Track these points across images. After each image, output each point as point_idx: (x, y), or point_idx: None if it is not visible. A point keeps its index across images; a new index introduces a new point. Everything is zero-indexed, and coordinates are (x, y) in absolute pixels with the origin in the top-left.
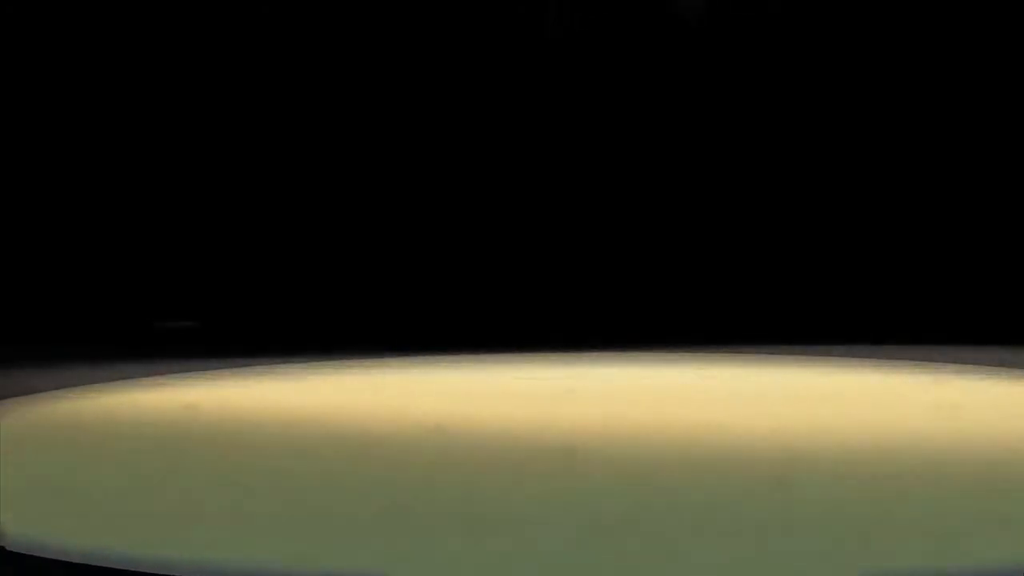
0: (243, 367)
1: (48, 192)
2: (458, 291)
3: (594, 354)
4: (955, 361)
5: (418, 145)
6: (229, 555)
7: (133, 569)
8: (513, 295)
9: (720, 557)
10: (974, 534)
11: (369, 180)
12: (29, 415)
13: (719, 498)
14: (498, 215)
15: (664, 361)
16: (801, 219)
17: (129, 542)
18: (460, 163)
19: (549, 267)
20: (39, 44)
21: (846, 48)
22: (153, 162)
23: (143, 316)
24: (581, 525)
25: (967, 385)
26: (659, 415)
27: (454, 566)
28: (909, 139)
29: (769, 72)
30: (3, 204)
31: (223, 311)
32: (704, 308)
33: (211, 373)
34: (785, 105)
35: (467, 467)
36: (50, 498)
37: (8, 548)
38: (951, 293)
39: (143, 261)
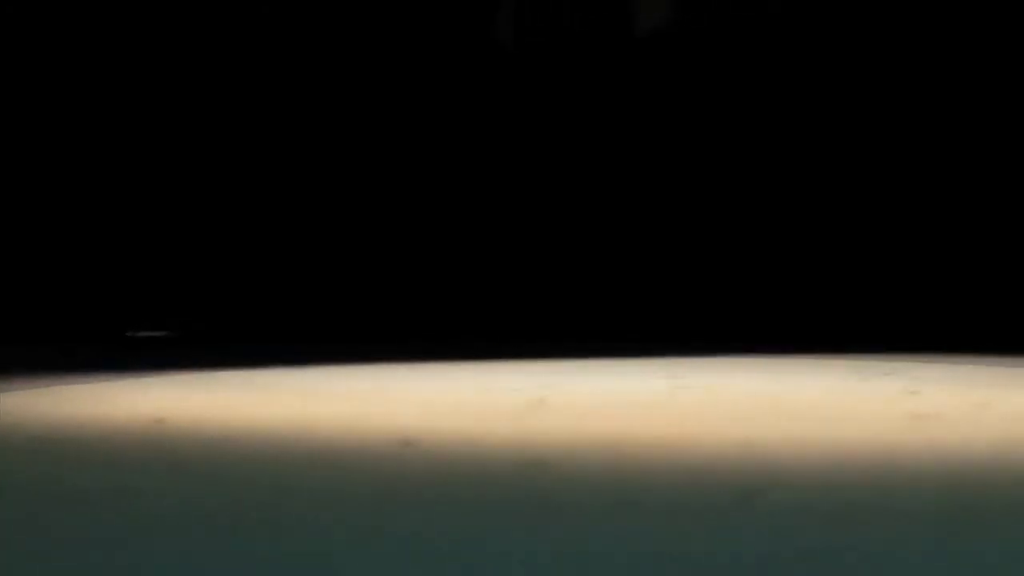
0: (212, 374)
1: (22, 200)
2: (427, 295)
3: (566, 362)
4: (933, 367)
5: (384, 147)
6: None
7: None
8: (482, 299)
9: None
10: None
11: (338, 183)
12: None
13: (678, 518)
14: (466, 218)
15: (638, 368)
16: (780, 224)
17: None
18: (427, 163)
19: (521, 271)
20: (13, 60)
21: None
22: (130, 171)
23: (117, 325)
24: (537, 550)
25: (944, 394)
26: (629, 428)
27: None
28: (886, 147)
29: (753, 78)
30: None
31: (197, 319)
32: (678, 312)
33: (174, 379)
34: (770, 111)
35: (429, 488)
36: None
37: None
38: (930, 300)
39: (118, 270)
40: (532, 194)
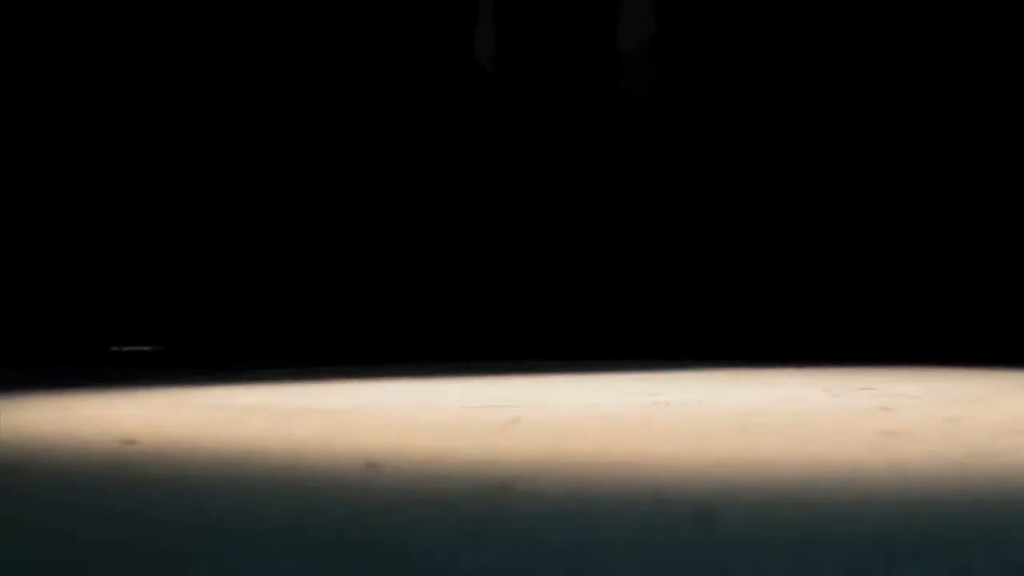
0: (191, 390)
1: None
2: (405, 310)
3: (548, 376)
4: (908, 381)
5: (364, 166)
6: None
7: None
8: (456, 308)
9: None
10: None
11: (319, 199)
12: None
13: (636, 540)
14: (441, 232)
15: (617, 383)
16: (758, 235)
17: None
18: (406, 181)
19: (499, 279)
20: None
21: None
22: (116, 185)
23: (100, 340)
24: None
25: (916, 410)
26: (600, 447)
27: None
28: (861, 161)
29: (727, 101)
30: None
31: (182, 334)
32: (658, 322)
33: (152, 396)
34: (754, 135)
35: (389, 512)
36: None
37: None
38: (910, 311)
39: (103, 284)
40: (512, 208)
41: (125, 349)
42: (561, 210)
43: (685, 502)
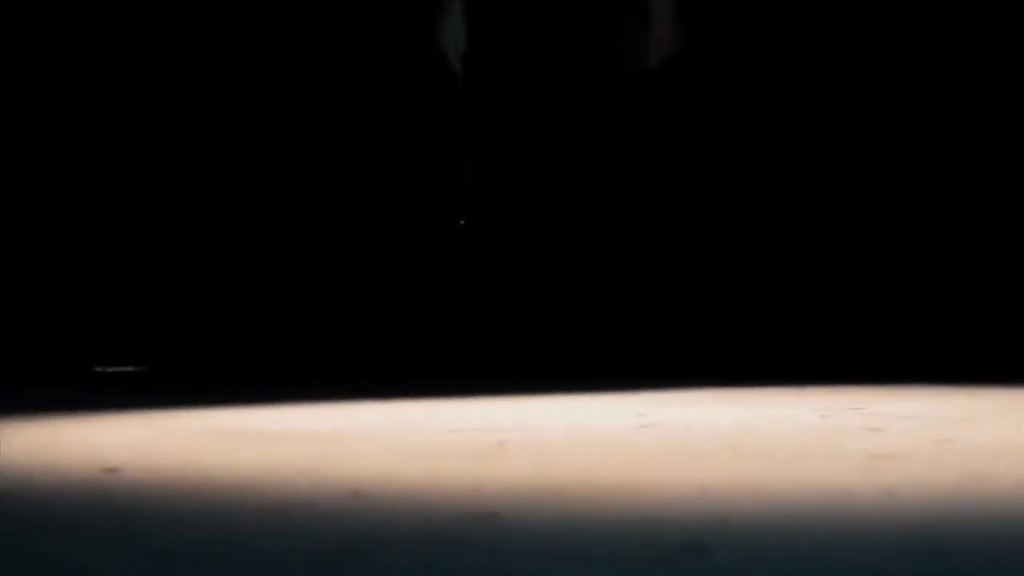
0: (176, 413)
1: None
2: (391, 332)
3: (534, 398)
4: (897, 400)
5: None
6: None
7: None
8: (441, 328)
9: None
10: None
11: (305, 216)
12: None
13: (625, 572)
14: (428, 251)
15: (604, 405)
16: (747, 254)
17: None
18: (389, 195)
19: (484, 298)
20: None
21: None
22: (102, 203)
23: (85, 359)
24: None
25: (906, 431)
26: (586, 473)
27: None
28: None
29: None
30: None
31: (168, 354)
32: (648, 344)
33: (135, 420)
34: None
35: (373, 545)
36: None
37: None
38: (900, 329)
39: (87, 303)
40: (498, 227)
41: (109, 370)
42: (546, 230)
43: (674, 531)
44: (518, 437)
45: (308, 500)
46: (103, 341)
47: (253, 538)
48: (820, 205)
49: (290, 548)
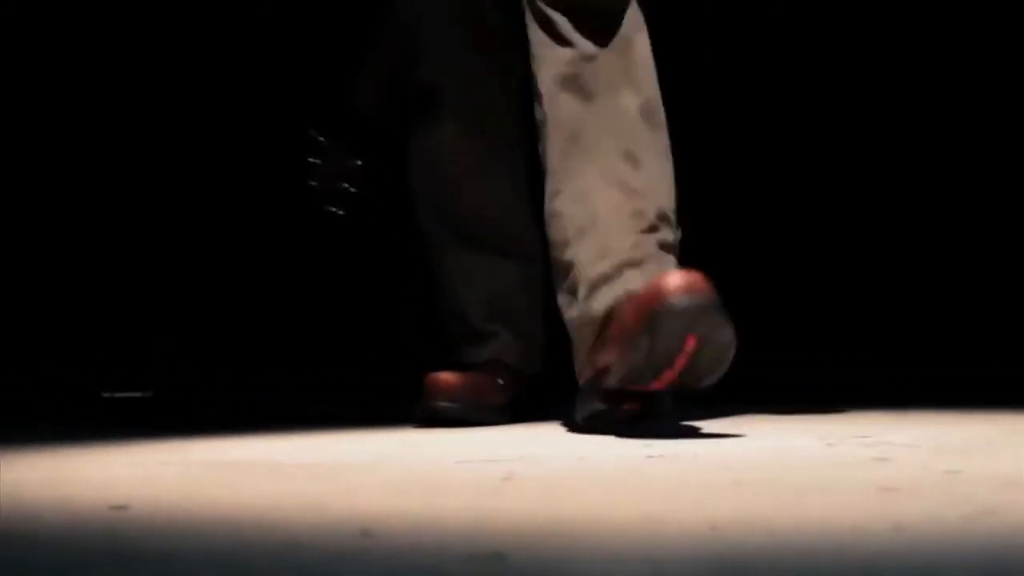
0: (186, 443)
1: None
2: (398, 357)
3: (543, 425)
4: (904, 428)
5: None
6: None
7: None
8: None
9: None
10: None
11: (311, 237)
12: None
13: None
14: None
15: (609, 433)
16: (745, 277)
17: None
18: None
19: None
20: None
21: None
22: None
23: (92, 386)
24: None
25: (914, 461)
26: (594, 508)
27: None
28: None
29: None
30: None
31: (177, 379)
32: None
33: (144, 451)
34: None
35: None
36: None
37: None
38: (897, 355)
39: (94, 326)
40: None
41: (117, 395)
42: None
43: (686, 572)
44: (523, 469)
45: (317, 539)
46: (111, 367)
47: None
48: (826, 226)
49: None
